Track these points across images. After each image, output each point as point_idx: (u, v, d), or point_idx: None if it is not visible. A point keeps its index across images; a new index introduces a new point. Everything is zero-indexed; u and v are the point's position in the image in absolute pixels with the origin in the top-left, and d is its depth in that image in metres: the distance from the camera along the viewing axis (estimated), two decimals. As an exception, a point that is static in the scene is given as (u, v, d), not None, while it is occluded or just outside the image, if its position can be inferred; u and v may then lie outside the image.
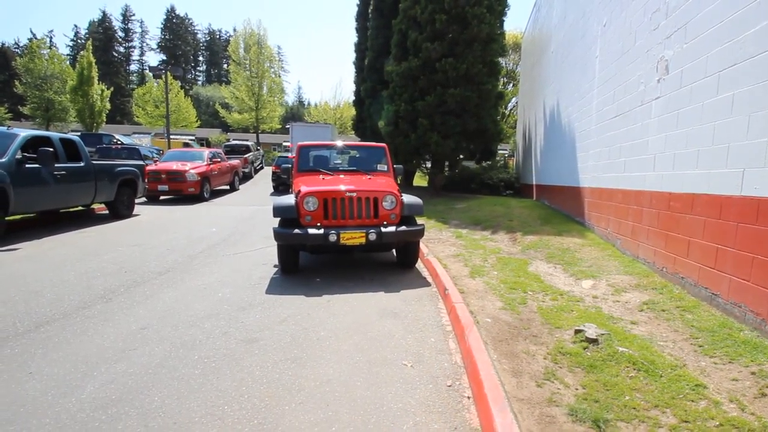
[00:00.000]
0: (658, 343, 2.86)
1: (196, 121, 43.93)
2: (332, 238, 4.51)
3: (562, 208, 8.33)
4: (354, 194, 4.80)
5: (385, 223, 4.79)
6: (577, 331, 3.02)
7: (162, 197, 13.13)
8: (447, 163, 14.24)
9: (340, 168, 6.10)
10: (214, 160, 14.54)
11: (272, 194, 15.64)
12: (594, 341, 2.87)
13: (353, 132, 21.60)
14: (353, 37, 21.33)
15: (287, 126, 28.77)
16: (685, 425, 2.00)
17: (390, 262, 5.72)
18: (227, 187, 16.22)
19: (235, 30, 75.88)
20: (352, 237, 4.57)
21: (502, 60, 15.32)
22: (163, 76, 24.27)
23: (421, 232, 4.89)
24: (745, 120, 3.01)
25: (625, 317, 3.37)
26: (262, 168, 23.94)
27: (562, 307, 3.65)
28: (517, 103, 20.85)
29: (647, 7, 4.74)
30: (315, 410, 2.22)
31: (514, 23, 54.74)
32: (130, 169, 9.43)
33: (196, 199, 13.01)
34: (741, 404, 2.12)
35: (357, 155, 6.43)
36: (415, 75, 12.17)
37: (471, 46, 11.47)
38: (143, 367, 2.71)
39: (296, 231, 4.54)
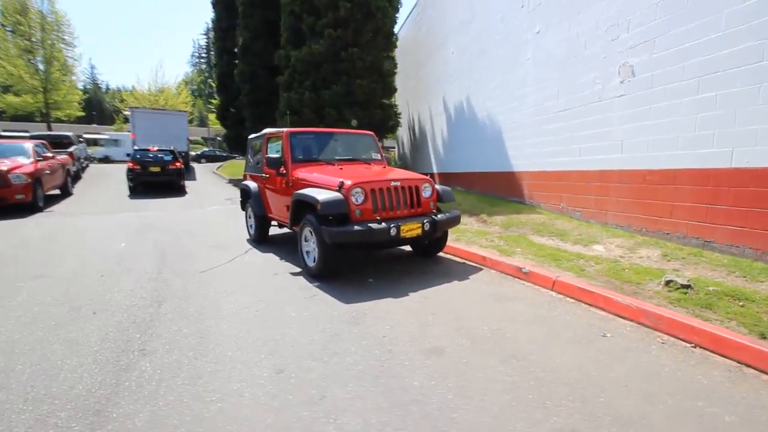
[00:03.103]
0: (721, 280, 3.77)
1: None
2: (393, 231, 4.15)
3: (487, 191, 9.45)
4: (398, 183, 4.50)
5: (435, 212, 4.66)
6: (668, 282, 3.69)
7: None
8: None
9: (337, 158, 5.52)
10: (43, 155, 10.75)
11: (131, 196, 12.65)
12: (688, 287, 3.58)
13: (219, 122, 19.04)
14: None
15: (126, 112, 23.31)
16: (824, 327, 2.80)
17: (401, 254, 5.54)
18: (58, 192, 12.24)
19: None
20: (411, 229, 4.30)
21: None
22: None
23: (459, 218, 4.94)
24: (732, 113, 4.19)
25: (665, 267, 4.26)
26: (88, 166, 18.70)
27: (613, 267, 4.33)
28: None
29: (601, 20, 5.87)
30: (631, 395, 2.18)
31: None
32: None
33: (26, 209, 9.42)
34: (826, 306, 3.08)
35: (351, 144, 5.91)
36: (317, 62, 11.64)
37: (376, 38, 11.65)
38: (381, 410, 2.07)
39: (357, 228, 4.00)
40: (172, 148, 14.22)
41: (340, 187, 4.21)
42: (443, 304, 3.60)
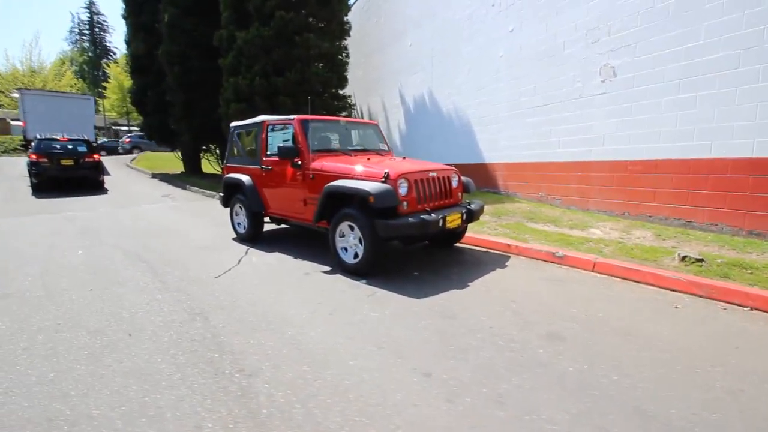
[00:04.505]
0: (719, 253, 4.41)
1: None
2: (441, 223, 4.10)
3: (455, 182, 9.76)
4: (435, 174, 4.45)
5: (469, 202, 4.69)
6: (683, 257, 4.22)
7: None
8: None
9: (350, 148, 5.23)
10: None
11: (37, 195, 10.59)
12: (701, 260, 4.13)
13: (134, 108, 16.67)
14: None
15: (14, 95, 19.21)
16: (823, 286, 3.46)
17: (417, 247, 5.49)
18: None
19: None
20: (454, 219, 4.30)
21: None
22: None
23: (483, 208, 5.04)
24: (711, 111, 4.91)
25: (664, 245, 4.86)
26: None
27: (623, 248, 4.82)
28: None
29: (580, 23, 6.41)
30: (747, 354, 2.46)
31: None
32: None
33: None
34: (812, 269, 3.81)
35: (359, 133, 5.63)
36: (268, 46, 10.84)
37: (330, 25, 11.23)
38: (568, 398, 2.06)
39: (412, 220, 3.86)
40: (85, 137, 12.13)
41: (386, 178, 4.01)
42: (510, 292, 3.67)
